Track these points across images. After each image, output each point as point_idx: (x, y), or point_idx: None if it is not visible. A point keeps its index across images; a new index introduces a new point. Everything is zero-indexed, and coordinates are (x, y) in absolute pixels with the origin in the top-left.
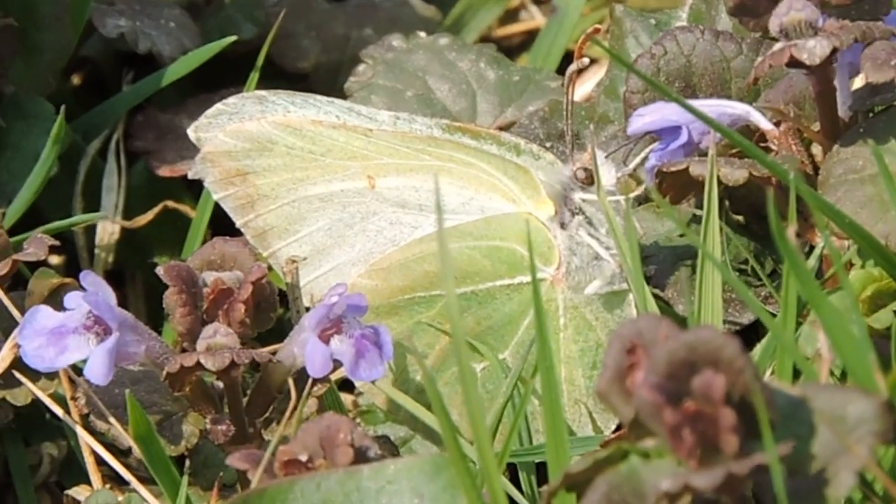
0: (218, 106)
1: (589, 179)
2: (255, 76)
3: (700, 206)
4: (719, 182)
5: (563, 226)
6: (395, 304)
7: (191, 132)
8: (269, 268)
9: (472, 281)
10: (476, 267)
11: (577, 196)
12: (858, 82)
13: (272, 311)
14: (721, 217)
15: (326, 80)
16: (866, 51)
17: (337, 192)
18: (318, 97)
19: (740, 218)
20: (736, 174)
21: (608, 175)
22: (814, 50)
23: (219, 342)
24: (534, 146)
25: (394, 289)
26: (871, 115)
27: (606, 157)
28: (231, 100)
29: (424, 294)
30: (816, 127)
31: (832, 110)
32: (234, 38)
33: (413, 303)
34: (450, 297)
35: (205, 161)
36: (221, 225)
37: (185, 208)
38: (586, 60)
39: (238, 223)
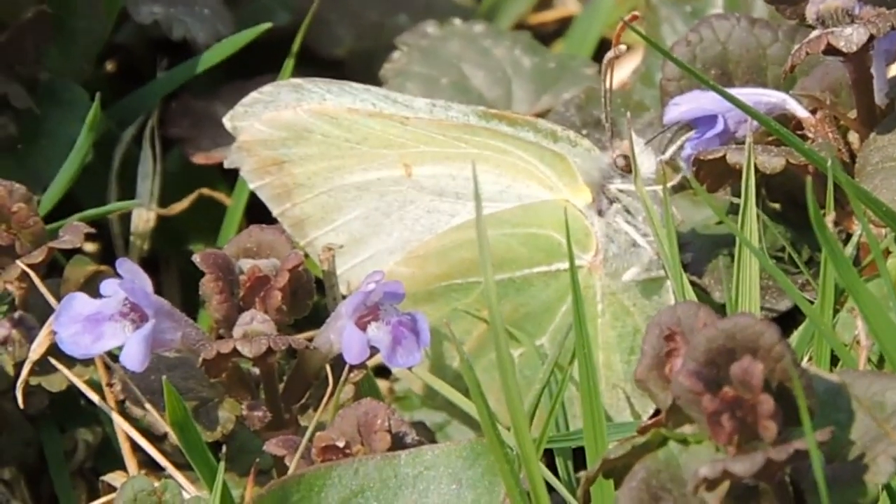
0: (253, 94)
1: (628, 167)
2: (289, 63)
3: (737, 195)
4: (756, 170)
5: (600, 213)
6: (431, 291)
7: (226, 121)
8: (306, 255)
9: (510, 268)
10: (513, 254)
11: (615, 184)
12: (894, 70)
13: (309, 299)
14: (758, 205)
15: (361, 67)
16: None
17: (374, 180)
18: (354, 85)
19: (777, 206)
20: (773, 162)
21: (647, 163)
22: (851, 37)
23: (255, 329)
24: (571, 133)
25: (430, 276)
26: None
27: (645, 144)
28: (266, 88)
29: (462, 281)
30: (853, 115)
31: (869, 98)
32: (268, 24)
33: (450, 290)
34: (488, 283)
35: (241, 150)
36: (257, 213)
37: (220, 196)
38: (623, 47)
39: (275, 212)
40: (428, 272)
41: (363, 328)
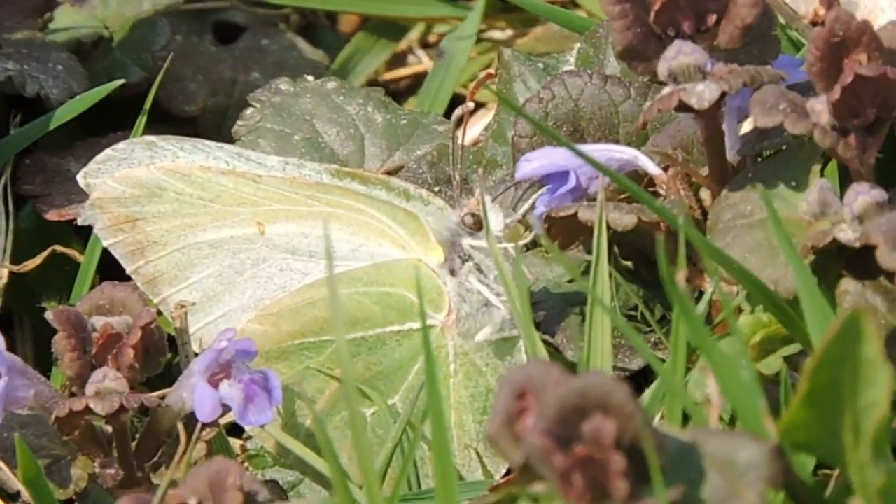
0: (107, 151)
1: (477, 225)
2: (142, 120)
3: (589, 252)
4: (608, 227)
5: (452, 272)
6: (285, 350)
7: (80, 178)
8: (159, 313)
9: (363, 327)
10: (366, 313)
11: (466, 242)
12: (746, 126)
13: (161, 356)
14: (610, 262)
15: (214, 123)
16: (755, 95)
17: (227, 238)
18: (208, 143)
19: (629, 264)
20: (625, 219)
21: (496, 220)
22: (703, 94)
23: (108, 386)
24: (423, 191)
25: (283, 334)
26: (759, 159)
27: (494, 201)
28: (120, 145)
29: (314, 339)
30: (705, 171)
31: (721, 155)
32: (121, 81)
33: (303, 348)
34: (340, 342)
35: (94, 207)
36: (110, 270)
37: (73, 253)
38: (471, 104)
39: (129, 270)
40: (281, 330)
41: (215, 386)
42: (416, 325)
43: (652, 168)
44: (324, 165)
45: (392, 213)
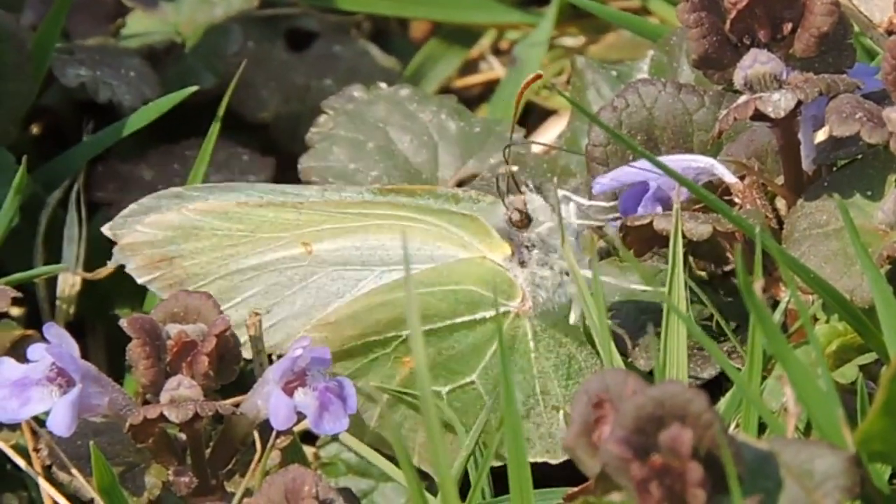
0: (132, 206)
1: (522, 221)
2: (216, 126)
3: (665, 261)
4: (683, 236)
5: (522, 264)
6: (347, 350)
7: (106, 231)
8: None
9: (430, 321)
10: (432, 310)
11: (526, 233)
12: (821, 135)
13: (236, 364)
14: (686, 272)
15: (287, 130)
16: (831, 104)
17: (272, 261)
18: (239, 184)
19: (704, 273)
20: (700, 229)
21: (544, 218)
22: (779, 103)
23: (182, 394)
24: (472, 192)
25: (345, 337)
26: (834, 168)
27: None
28: (146, 200)
29: (379, 337)
30: (780, 181)
31: (796, 164)
32: (194, 88)
33: (368, 345)
34: (414, 330)
35: (123, 251)
36: None
37: None
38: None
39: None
40: (342, 335)
41: (290, 394)
42: (489, 313)
43: (728, 177)
44: (364, 187)
45: (447, 218)
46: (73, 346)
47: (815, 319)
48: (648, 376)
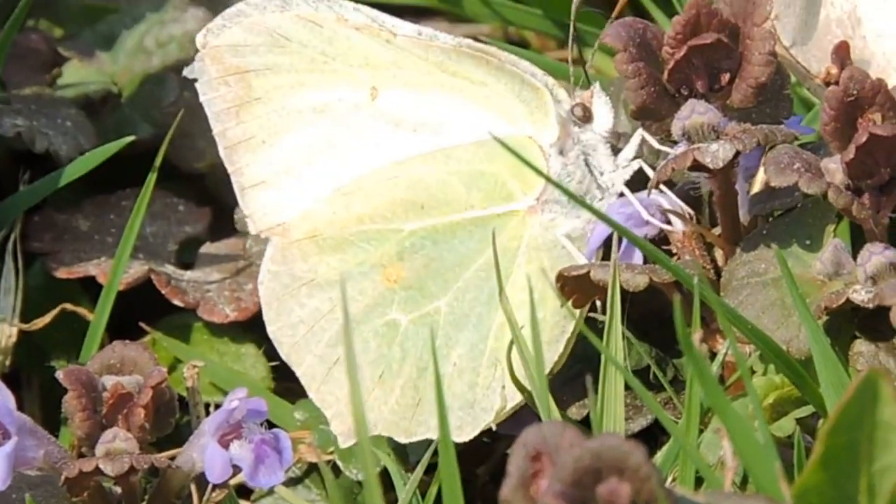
0: (238, 6)
1: (585, 117)
2: (152, 177)
3: (604, 312)
4: (621, 287)
5: (562, 152)
6: (343, 239)
7: (200, 37)
8: (170, 372)
9: (440, 212)
10: (449, 195)
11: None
12: (759, 186)
13: (172, 416)
14: (623, 322)
15: (223, 180)
16: (769, 154)
17: (334, 101)
18: (346, 2)
19: (642, 323)
20: (637, 279)
21: (605, 116)
22: (717, 154)
23: (118, 447)
24: (549, 79)
25: (351, 218)
26: (770, 218)
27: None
28: None
29: (381, 227)
30: (718, 231)
31: (733, 214)
32: (131, 138)
33: (364, 238)
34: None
35: (207, 57)
36: (120, 328)
37: (83, 311)
38: None
39: (215, 130)
40: (350, 212)
41: (226, 446)
42: (499, 209)
43: (664, 227)
44: (457, 38)
45: (518, 88)
46: (8, 398)
47: (753, 371)
48: (582, 424)
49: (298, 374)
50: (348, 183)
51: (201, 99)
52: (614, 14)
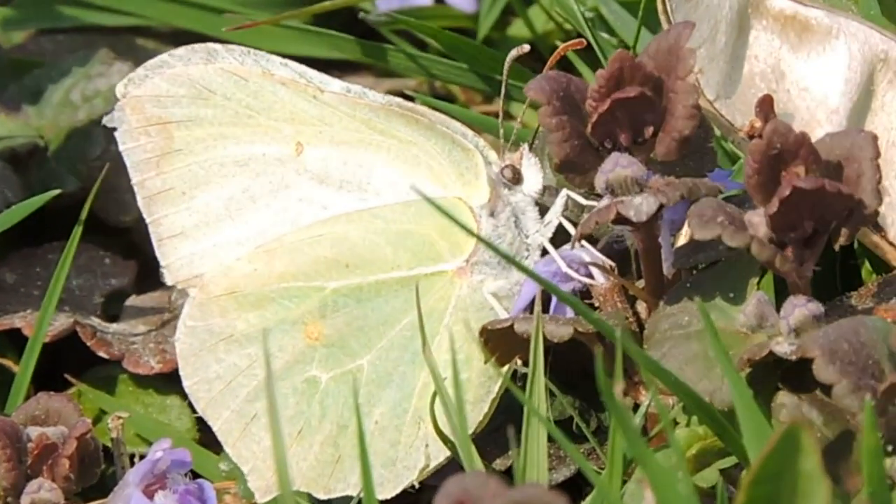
0: (162, 56)
1: (515, 179)
2: (78, 230)
3: (526, 364)
4: (544, 339)
5: (493, 214)
6: (264, 295)
7: (120, 87)
8: (95, 423)
9: (365, 271)
10: (375, 255)
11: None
12: (683, 239)
13: (97, 467)
14: (546, 374)
15: (149, 234)
16: (693, 207)
17: (258, 155)
18: (274, 58)
19: (565, 375)
20: (561, 331)
21: (534, 179)
22: (640, 207)
23: (43, 497)
24: (480, 139)
25: (273, 275)
26: (694, 271)
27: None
28: (179, 51)
29: (303, 285)
30: (641, 284)
31: (657, 267)
32: (57, 191)
33: (286, 295)
34: None
35: (127, 107)
36: (45, 380)
37: (8, 363)
38: (527, 47)
39: (134, 180)
40: (272, 270)
41: (150, 497)
42: (426, 269)
43: (588, 280)
44: (386, 97)
45: (448, 148)
46: None
47: (676, 423)
48: (506, 475)
49: (215, 429)
50: (270, 239)
51: (121, 148)
52: (546, 68)
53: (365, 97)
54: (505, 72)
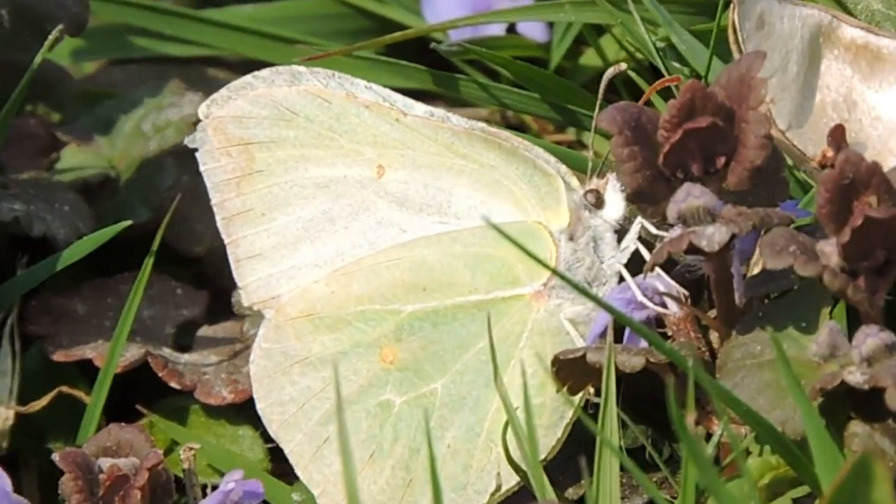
0: (246, 78)
1: (597, 204)
2: (149, 261)
3: (598, 394)
4: (616, 369)
5: (572, 238)
6: (340, 318)
7: (203, 107)
8: (166, 454)
9: (443, 294)
10: (453, 278)
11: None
12: (754, 268)
13: (168, 498)
14: (618, 403)
15: (221, 264)
16: (764, 237)
17: (339, 178)
18: (358, 81)
19: (638, 404)
20: (633, 361)
21: (616, 205)
22: (713, 237)
23: None
24: (562, 165)
25: (350, 297)
26: (766, 300)
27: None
28: (263, 72)
29: (380, 308)
30: (713, 314)
31: (729, 296)
32: (128, 222)
33: (362, 318)
34: None
35: (209, 128)
36: (116, 411)
37: (79, 394)
38: (623, 65)
39: (214, 200)
40: (350, 292)
41: None
42: (503, 293)
43: (661, 309)
44: (469, 122)
45: (530, 173)
46: (5, 481)
47: (748, 452)
48: None
49: (287, 451)
50: (348, 262)
51: (201, 168)
52: (641, 101)
53: (448, 121)
54: (601, 91)
